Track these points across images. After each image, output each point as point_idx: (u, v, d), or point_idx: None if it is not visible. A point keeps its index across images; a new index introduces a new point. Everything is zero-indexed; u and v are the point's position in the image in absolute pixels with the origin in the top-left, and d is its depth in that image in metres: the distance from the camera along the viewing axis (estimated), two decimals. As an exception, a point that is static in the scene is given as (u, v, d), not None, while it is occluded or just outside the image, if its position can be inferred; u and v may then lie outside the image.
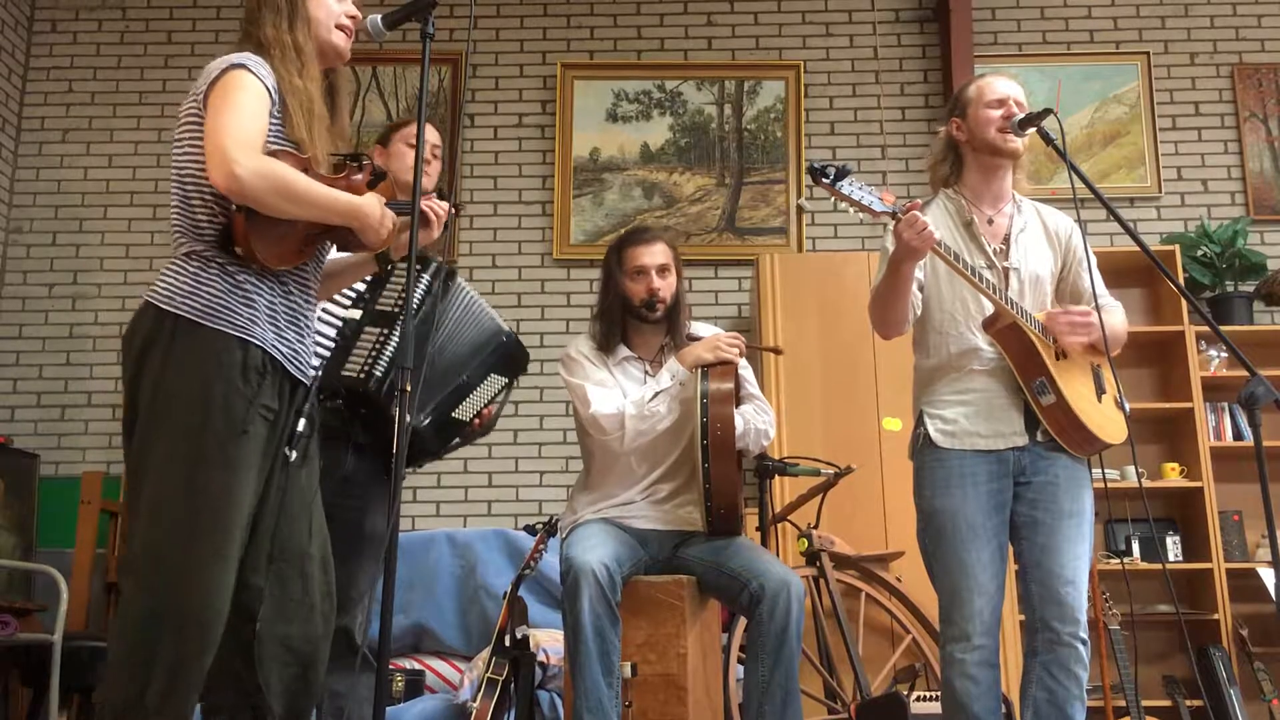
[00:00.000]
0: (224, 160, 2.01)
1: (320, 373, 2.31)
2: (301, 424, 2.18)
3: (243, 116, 2.08)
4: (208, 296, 2.10)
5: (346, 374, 2.72)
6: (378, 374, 2.71)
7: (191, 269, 2.13)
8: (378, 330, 2.78)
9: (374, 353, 2.74)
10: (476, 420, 3.04)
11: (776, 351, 3.82)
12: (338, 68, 2.41)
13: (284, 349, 2.17)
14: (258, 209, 2.07)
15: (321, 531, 2.25)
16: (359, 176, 2.26)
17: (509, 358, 3.07)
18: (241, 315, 2.10)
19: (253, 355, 2.10)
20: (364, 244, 2.25)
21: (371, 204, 2.20)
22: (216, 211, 2.12)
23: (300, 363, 2.22)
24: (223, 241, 2.12)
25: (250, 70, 2.14)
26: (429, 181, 3.06)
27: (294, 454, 2.17)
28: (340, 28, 2.32)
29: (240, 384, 2.07)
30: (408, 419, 2.13)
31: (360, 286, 2.86)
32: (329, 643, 2.22)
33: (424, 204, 2.33)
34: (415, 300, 2.80)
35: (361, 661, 2.80)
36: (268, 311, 2.15)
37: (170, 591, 1.99)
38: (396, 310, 2.79)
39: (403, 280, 2.76)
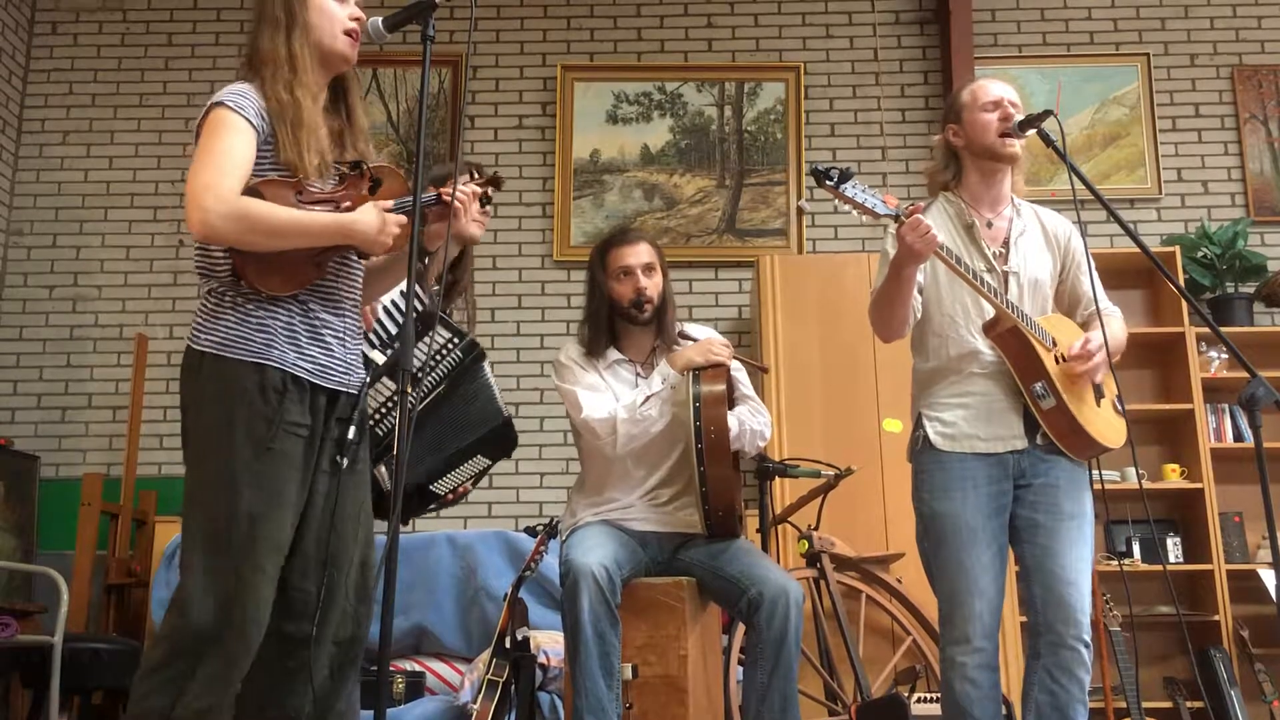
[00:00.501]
0: (195, 209, 2.10)
1: (369, 377, 2.37)
2: (351, 431, 2.25)
3: (217, 159, 2.14)
4: (224, 330, 2.18)
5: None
6: (379, 432, 2.73)
7: (210, 306, 2.21)
8: (395, 387, 2.77)
9: (385, 407, 2.76)
10: (450, 495, 3.05)
11: (764, 370, 3.81)
12: (348, 71, 2.41)
13: (307, 365, 2.22)
14: (238, 248, 2.14)
15: (368, 534, 2.33)
16: (360, 189, 2.28)
17: (501, 441, 3.06)
18: (256, 342, 2.17)
19: (269, 377, 2.16)
20: (371, 252, 2.29)
21: (362, 217, 2.22)
22: (228, 250, 2.17)
23: (330, 375, 2.27)
24: (235, 276, 2.19)
25: (228, 106, 2.18)
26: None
27: (345, 461, 2.24)
28: (346, 33, 2.33)
29: (260, 405, 2.15)
30: (408, 428, 2.15)
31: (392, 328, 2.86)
32: (361, 644, 2.28)
33: (446, 191, 2.34)
34: (443, 370, 2.83)
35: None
36: (285, 334, 2.20)
37: (216, 608, 2.07)
38: (418, 374, 2.81)
39: (436, 347, 2.79)
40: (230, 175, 2.13)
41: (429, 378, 2.82)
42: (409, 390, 2.14)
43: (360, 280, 2.39)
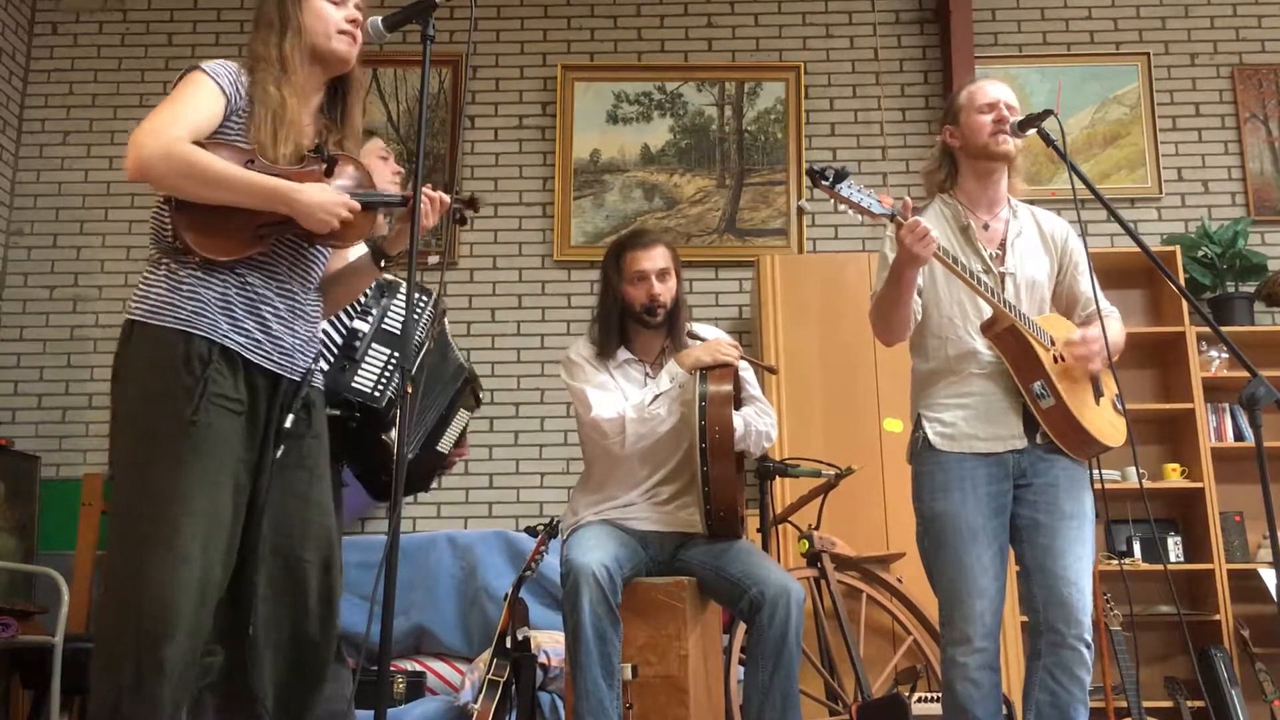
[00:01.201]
0: (133, 145, 2.08)
1: (314, 374, 2.30)
2: (289, 420, 2.19)
3: (171, 109, 2.13)
4: (154, 298, 2.14)
5: (359, 386, 2.73)
6: (391, 395, 2.73)
7: (146, 275, 2.18)
8: (388, 352, 2.78)
9: (386, 373, 2.75)
10: (455, 453, 3.07)
11: (771, 370, 3.82)
12: (352, 70, 2.39)
13: (240, 338, 2.15)
14: (170, 193, 2.11)
15: (321, 535, 2.24)
16: (314, 168, 2.24)
17: (474, 392, 3.11)
18: (184, 310, 2.12)
19: (196, 345, 2.10)
20: (311, 230, 2.19)
21: (308, 189, 2.15)
22: (166, 213, 2.15)
23: (266, 353, 2.19)
24: (172, 241, 2.15)
25: (203, 70, 2.19)
26: (394, 187, 3.09)
27: (278, 451, 2.17)
28: (342, 33, 2.31)
29: (183, 375, 2.08)
30: (410, 423, 2.14)
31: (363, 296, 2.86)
32: (329, 649, 2.22)
33: (423, 193, 2.29)
34: (420, 333, 2.83)
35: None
36: (219, 304, 2.15)
37: (125, 588, 2.03)
38: (403, 334, 2.81)
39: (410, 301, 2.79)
40: (179, 125, 2.12)
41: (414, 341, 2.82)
42: (410, 391, 2.14)
43: (313, 269, 2.32)
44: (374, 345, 2.78)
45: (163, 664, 2.00)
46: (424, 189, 2.25)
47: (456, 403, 3.04)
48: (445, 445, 3.03)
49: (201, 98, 2.16)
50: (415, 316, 2.75)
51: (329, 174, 2.25)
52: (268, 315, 2.21)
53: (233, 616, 2.15)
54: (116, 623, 2.03)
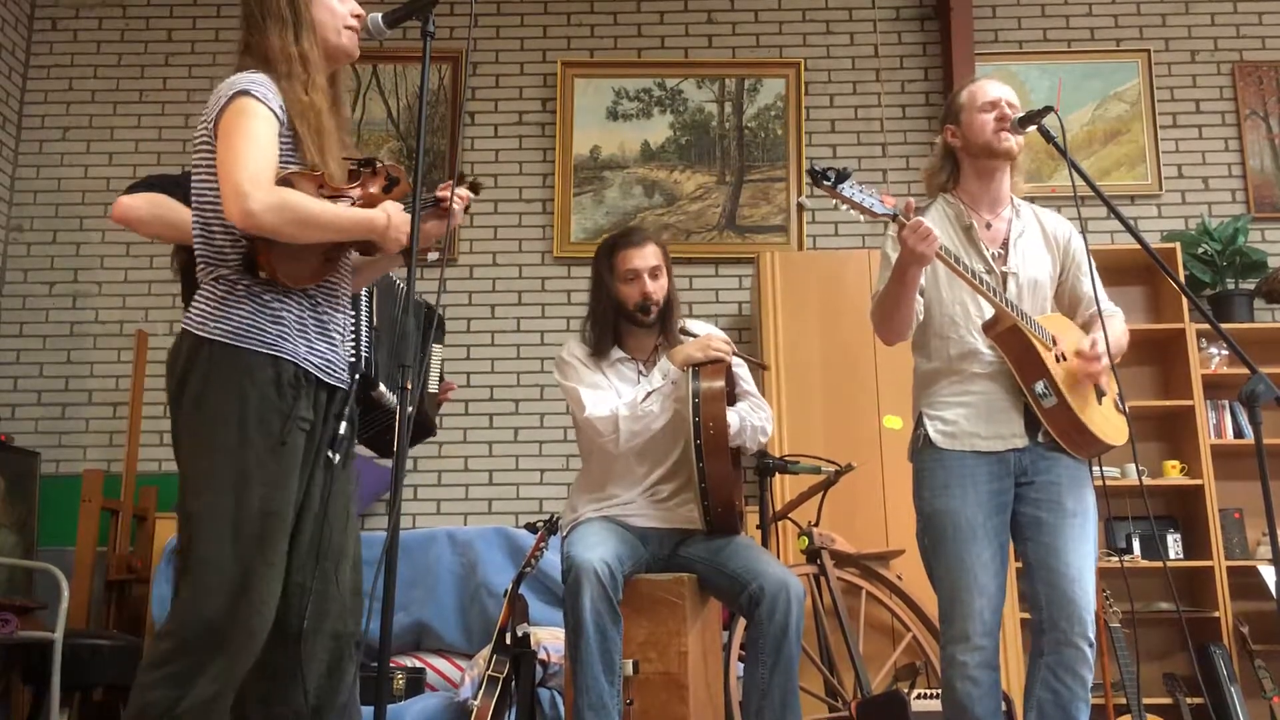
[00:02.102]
0: (239, 197, 2.07)
1: (358, 376, 2.37)
2: (343, 428, 2.26)
3: (253, 148, 2.12)
4: (238, 319, 2.16)
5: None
6: (366, 355, 2.74)
7: (220, 294, 2.19)
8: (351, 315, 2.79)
9: (351, 334, 2.75)
10: (443, 387, 3.11)
11: (763, 367, 3.82)
12: (342, 66, 2.42)
13: (315, 360, 2.23)
14: (274, 238, 2.12)
15: (356, 529, 2.34)
16: (374, 187, 2.29)
17: (437, 325, 3.14)
18: (270, 333, 2.17)
19: (285, 370, 2.16)
20: (383, 250, 2.30)
21: (381, 215, 2.23)
22: (238, 237, 2.17)
23: (333, 371, 2.28)
24: (247, 264, 2.17)
25: (256, 97, 2.16)
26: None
27: (337, 457, 2.25)
28: (348, 28, 2.34)
29: (275, 399, 2.14)
30: (409, 412, 2.16)
31: None
32: (356, 639, 2.29)
33: (445, 193, 2.37)
34: (365, 291, 2.85)
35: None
36: (297, 327, 2.21)
37: (225, 603, 2.06)
38: (366, 305, 2.84)
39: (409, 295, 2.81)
40: (266, 164, 2.12)
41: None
42: (409, 387, 2.15)
43: (350, 277, 2.41)
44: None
45: (237, 680, 2.09)
46: (458, 190, 2.36)
47: (428, 339, 3.06)
48: (433, 385, 3.07)
49: (266, 129, 2.16)
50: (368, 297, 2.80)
51: (388, 191, 2.30)
52: (335, 334, 2.30)
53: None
54: (203, 636, 2.05)
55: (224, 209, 2.10)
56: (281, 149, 2.19)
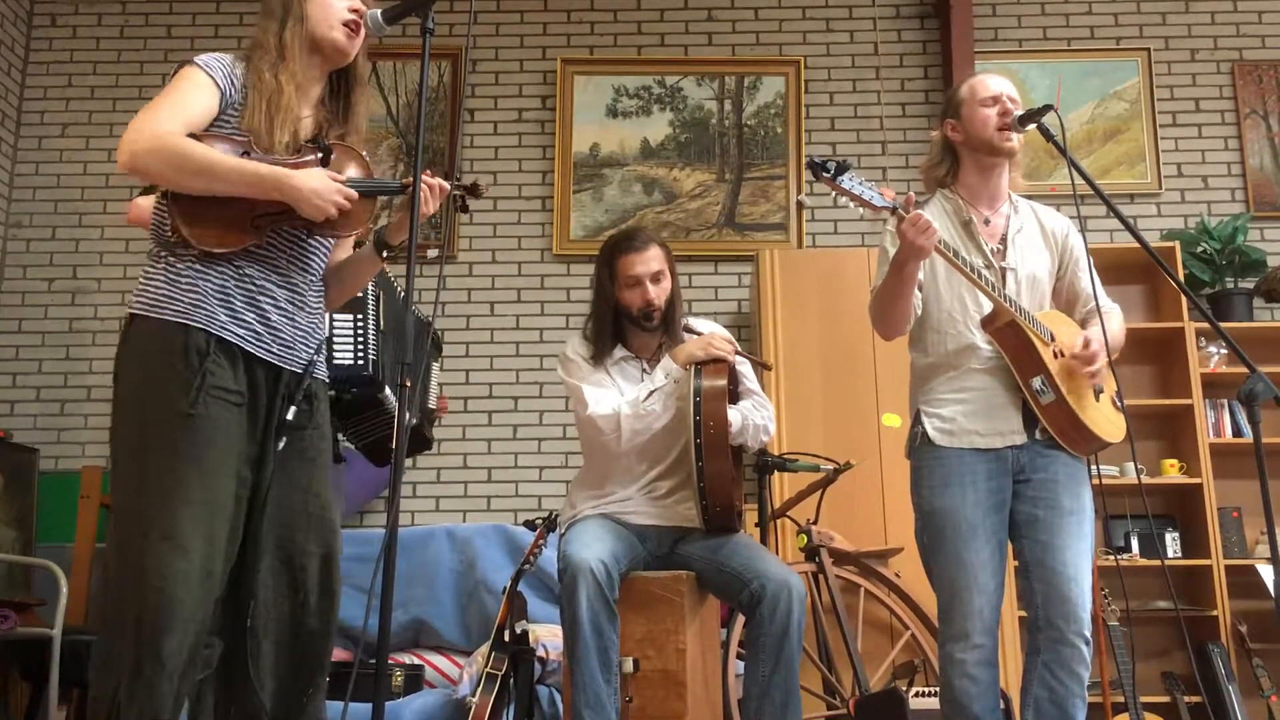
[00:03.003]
0: (125, 141, 2.09)
1: (316, 365, 2.30)
2: (291, 413, 2.19)
3: (164, 102, 2.15)
4: (152, 291, 2.15)
5: (341, 362, 2.72)
6: (374, 358, 2.72)
7: (147, 270, 2.18)
8: (351, 317, 2.76)
9: (359, 338, 2.74)
10: (440, 401, 3.10)
11: (766, 367, 3.82)
12: (355, 63, 2.39)
13: (239, 330, 2.15)
14: (163, 185, 2.12)
15: (322, 526, 2.24)
16: (311, 157, 2.24)
17: (436, 344, 3.14)
18: (182, 301, 2.12)
19: (194, 338, 2.11)
20: (308, 218, 2.18)
21: (303, 175, 2.14)
22: (165, 207, 2.16)
23: (266, 345, 2.19)
24: (173, 237, 2.15)
25: (196, 64, 2.20)
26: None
27: (281, 443, 2.17)
28: (344, 24, 2.31)
29: (180, 367, 2.08)
30: (408, 415, 2.14)
31: None
32: (328, 641, 2.22)
33: (410, 181, 2.27)
34: (371, 294, 2.84)
35: None
36: (218, 296, 2.15)
37: (125, 581, 2.02)
38: (360, 295, 2.82)
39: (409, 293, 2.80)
40: (172, 118, 2.12)
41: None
42: (409, 385, 2.14)
43: (313, 259, 2.31)
44: (335, 316, 2.77)
45: (162, 657, 1.99)
46: (424, 175, 2.25)
47: (427, 356, 3.06)
48: (432, 400, 3.06)
49: (195, 91, 2.17)
50: (379, 283, 2.78)
51: (325, 163, 2.24)
52: (267, 306, 2.20)
53: (234, 608, 2.15)
54: (116, 615, 2.02)
55: (117, 157, 2.11)
56: (228, 118, 2.19)
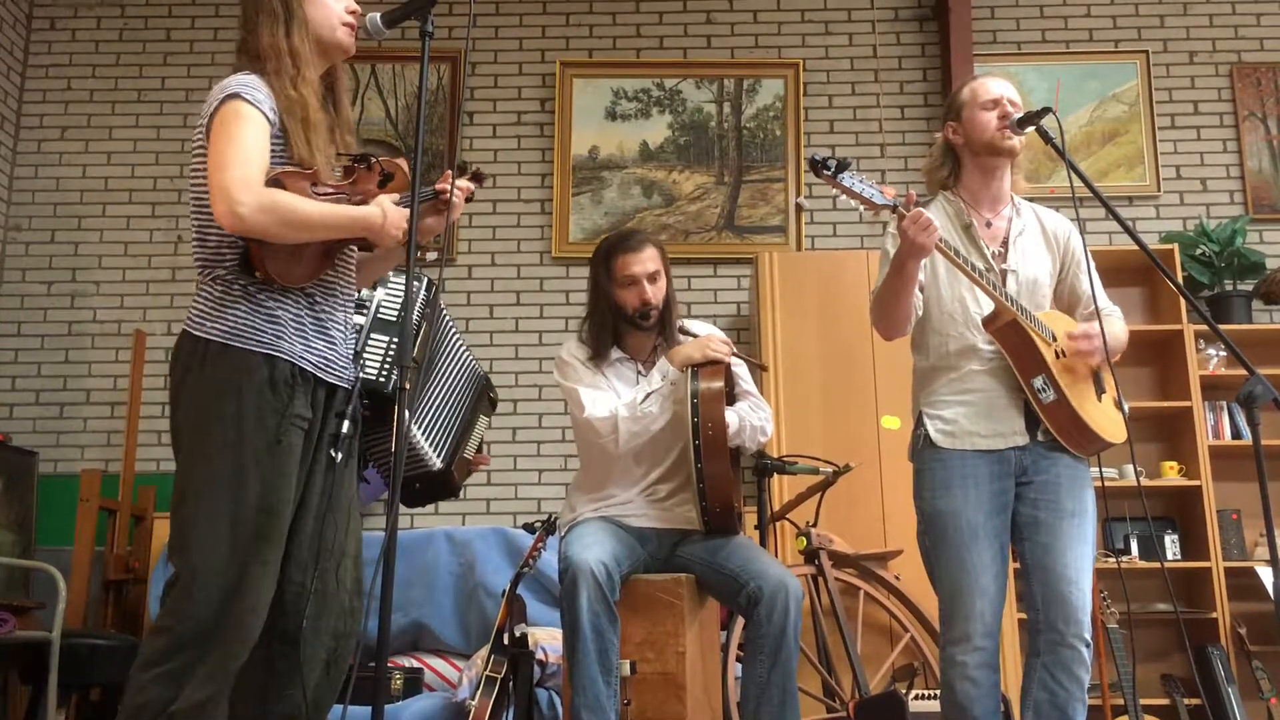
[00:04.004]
0: (226, 200, 2.08)
1: (360, 373, 2.38)
2: (345, 425, 2.26)
3: (241, 150, 2.13)
4: (233, 319, 2.17)
5: (366, 376, 2.76)
6: (386, 390, 2.75)
7: (217, 294, 2.20)
8: (386, 338, 2.80)
9: (389, 359, 2.77)
10: (477, 458, 3.10)
11: (762, 368, 3.82)
12: (336, 63, 2.42)
13: (313, 358, 2.23)
14: (264, 239, 2.13)
15: (356, 529, 2.34)
16: (369, 183, 2.30)
17: (491, 400, 3.14)
18: (266, 332, 2.17)
19: (280, 369, 2.17)
20: (380, 246, 2.31)
21: (376, 211, 2.24)
22: (234, 238, 2.17)
23: (333, 368, 2.28)
24: (243, 265, 2.18)
25: (245, 99, 2.17)
26: None
27: (339, 455, 2.25)
28: (344, 25, 2.34)
29: (270, 398, 2.15)
30: (406, 415, 2.16)
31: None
32: (355, 639, 2.29)
33: (444, 185, 2.37)
34: (415, 315, 2.84)
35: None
36: (294, 325, 2.21)
37: (219, 601, 2.07)
38: (399, 320, 2.83)
39: (400, 288, 2.79)
40: (255, 167, 2.13)
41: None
42: (407, 387, 2.15)
43: (354, 272, 2.41)
44: (372, 335, 2.81)
45: (230, 676, 2.09)
46: (459, 183, 2.37)
47: (478, 408, 3.06)
48: (469, 451, 3.06)
49: (259, 135, 2.18)
50: (413, 304, 2.77)
51: (383, 186, 2.31)
52: (334, 331, 2.30)
53: (279, 610, 2.20)
54: (190, 627, 2.06)
55: (213, 212, 2.12)
56: (274, 148, 2.19)
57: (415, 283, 2.90)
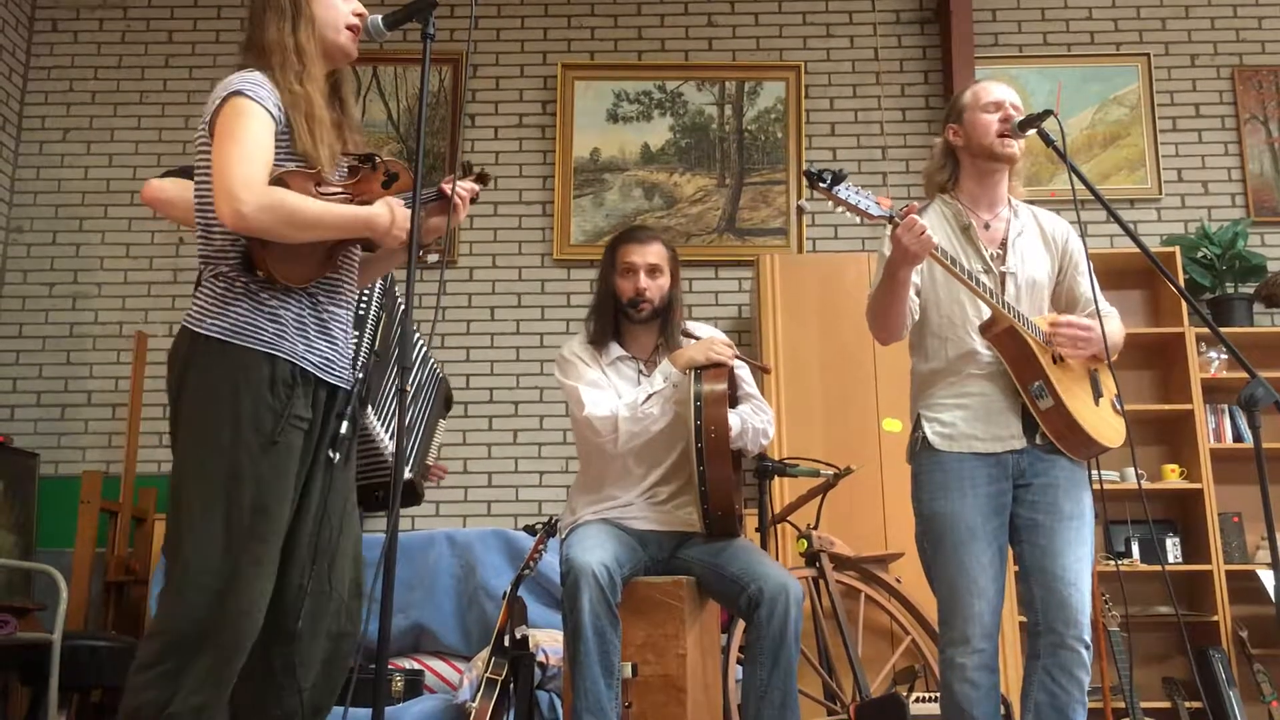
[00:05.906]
0: (229, 199, 2.07)
1: (364, 375, 2.37)
2: (344, 427, 2.26)
3: (245, 148, 2.12)
4: (234, 317, 2.16)
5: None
6: (359, 375, 2.74)
7: (219, 290, 2.19)
8: (356, 334, 2.79)
9: (361, 355, 2.76)
10: (438, 465, 3.09)
11: (765, 370, 3.81)
12: (341, 66, 2.42)
13: (314, 359, 2.22)
14: (266, 239, 2.12)
15: (354, 527, 2.33)
16: (374, 183, 2.30)
17: (448, 400, 3.13)
18: (267, 331, 2.16)
19: (280, 369, 2.16)
20: (385, 247, 2.31)
21: (381, 211, 2.23)
22: (236, 236, 2.16)
23: (334, 369, 2.27)
24: (245, 263, 2.17)
25: (249, 96, 2.16)
26: None
27: (337, 456, 2.24)
28: (349, 28, 2.35)
29: (269, 398, 2.13)
30: (405, 422, 2.15)
31: None
32: (354, 640, 2.28)
33: (447, 186, 2.37)
34: (374, 308, 2.84)
35: None
36: (295, 325, 2.20)
37: (212, 601, 2.05)
38: (361, 314, 2.84)
39: (370, 288, 2.78)
40: (259, 165, 2.12)
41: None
42: (407, 390, 2.15)
43: (355, 273, 2.40)
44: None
45: (228, 677, 2.07)
46: (460, 184, 2.37)
47: (439, 412, 3.05)
48: (432, 457, 3.05)
49: (263, 131, 2.16)
50: (383, 305, 2.78)
51: (387, 186, 2.30)
52: (335, 331, 2.29)
53: (279, 611, 2.19)
54: (186, 628, 2.05)
55: (217, 212, 2.11)
56: (278, 145, 2.19)
57: (378, 290, 2.90)
